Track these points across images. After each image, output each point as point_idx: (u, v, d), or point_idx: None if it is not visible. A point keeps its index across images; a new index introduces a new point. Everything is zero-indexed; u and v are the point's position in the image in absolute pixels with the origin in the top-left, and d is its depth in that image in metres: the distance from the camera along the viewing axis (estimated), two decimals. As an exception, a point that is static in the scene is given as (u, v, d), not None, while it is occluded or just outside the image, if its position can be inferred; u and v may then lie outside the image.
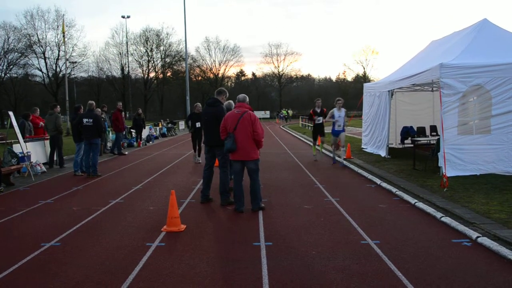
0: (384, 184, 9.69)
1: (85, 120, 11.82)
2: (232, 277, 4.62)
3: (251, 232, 6.35)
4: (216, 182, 8.50)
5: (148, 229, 6.55)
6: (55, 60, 60.48)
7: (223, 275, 4.70)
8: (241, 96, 7.82)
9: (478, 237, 5.70)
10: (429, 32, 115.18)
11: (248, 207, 7.68)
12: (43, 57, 59.65)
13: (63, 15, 54.61)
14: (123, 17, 62.89)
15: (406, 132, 16.13)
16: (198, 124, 13.96)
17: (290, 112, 63.90)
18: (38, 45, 58.81)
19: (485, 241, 5.53)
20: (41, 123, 14.99)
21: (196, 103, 14.98)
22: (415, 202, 7.83)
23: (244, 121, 7.37)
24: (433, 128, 15.53)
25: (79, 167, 12.34)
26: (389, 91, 14.28)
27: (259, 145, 7.54)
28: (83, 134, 11.97)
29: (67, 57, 49.39)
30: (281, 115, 55.14)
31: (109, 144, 18.90)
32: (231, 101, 9.15)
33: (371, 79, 75.81)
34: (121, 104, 18.97)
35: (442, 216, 6.78)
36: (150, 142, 24.52)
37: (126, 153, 18.20)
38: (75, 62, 60.76)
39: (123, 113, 22.12)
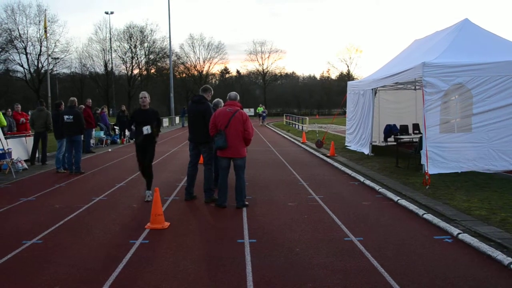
0: (368, 182, 9.77)
1: (66, 116, 11.71)
2: (216, 274, 4.62)
3: (235, 229, 6.35)
4: (200, 179, 8.48)
5: (131, 227, 6.51)
6: (37, 56, 59.20)
7: (207, 272, 4.70)
8: (233, 94, 7.84)
9: (459, 233, 5.80)
10: (412, 31, 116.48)
11: (232, 204, 7.69)
12: (24, 53, 58.34)
13: (45, 10, 53.60)
14: (106, 13, 62.55)
15: (389, 130, 16.29)
16: (146, 130, 8.10)
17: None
18: (19, 40, 57.54)
19: (466, 237, 5.62)
20: (23, 119, 14.76)
21: (141, 92, 8.97)
22: (398, 199, 7.92)
23: (236, 120, 7.40)
24: (416, 126, 15.72)
25: (61, 164, 12.19)
26: (372, 89, 14.40)
27: (248, 143, 7.63)
28: (64, 131, 11.85)
29: (49, 53, 48.72)
30: (264, 114, 44.59)
31: (92, 141, 18.68)
32: (219, 99, 9.15)
33: (355, 77, 76.32)
34: (90, 101, 18.63)
35: (424, 213, 6.87)
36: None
37: (95, 152, 17.74)
38: (58, 58, 59.70)
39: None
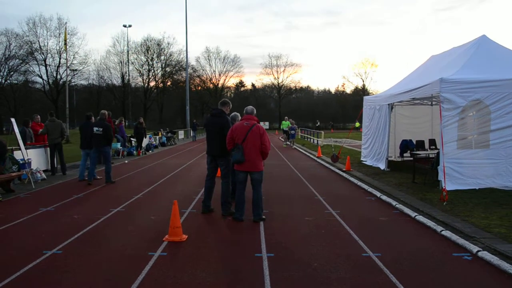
0: (384, 197, 9.73)
1: (95, 128, 12.17)
2: (235, 288, 4.64)
3: (252, 243, 6.37)
4: (216, 192, 8.53)
5: (150, 239, 6.56)
6: (56, 68, 60.48)
7: (226, 285, 4.72)
8: (250, 108, 7.92)
9: (478, 251, 5.74)
10: (427, 46, 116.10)
11: (249, 217, 7.72)
12: (44, 64, 59.61)
13: (66, 23, 54.70)
14: (124, 26, 63.45)
15: (405, 145, 16.22)
16: None
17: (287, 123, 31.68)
18: (39, 52, 58.83)
19: (486, 255, 5.57)
20: (41, 130, 15.02)
21: None
22: (415, 215, 7.87)
23: (253, 134, 7.47)
24: (432, 142, 15.63)
25: (83, 173, 12.82)
26: (389, 104, 14.38)
27: (265, 156, 7.66)
28: (93, 142, 12.29)
29: (68, 64, 49.53)
30: (293, 132, 29.53)
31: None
32: (237, 113, 9.22)
33: (370, 91, 76.10)
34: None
35: (443, 230, 6.81)
36: (150, 151, 24.55)
37: (112, 163, 17.85)
38: (76, 70, 60.84)
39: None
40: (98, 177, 12.97)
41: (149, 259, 5.59)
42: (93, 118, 13.28)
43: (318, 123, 66.44)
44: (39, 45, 58.60)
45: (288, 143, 29.91)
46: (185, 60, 53.61)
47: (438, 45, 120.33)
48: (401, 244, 6.31)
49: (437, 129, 15.95)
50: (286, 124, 31.05)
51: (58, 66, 60.11)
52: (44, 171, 13.51)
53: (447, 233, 6.64)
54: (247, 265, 5.36)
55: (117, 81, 72.47)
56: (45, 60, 59.41)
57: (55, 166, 14.14)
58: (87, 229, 7.14)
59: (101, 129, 12.11)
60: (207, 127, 8.43)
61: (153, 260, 5.56)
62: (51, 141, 13.95)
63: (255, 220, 7.61)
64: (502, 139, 10.38)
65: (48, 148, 14.39)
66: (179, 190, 11.10)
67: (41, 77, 60.80)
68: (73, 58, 59.14)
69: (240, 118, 9.39)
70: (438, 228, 6.94)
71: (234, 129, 7.66)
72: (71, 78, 60.19)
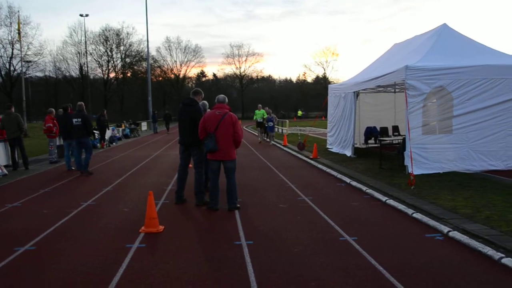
0: (354, 183, 9.94)
1: (74, 120, 12.21)
2: (219, 276, 4.66)
3: (230, 231, 6.40)
4: (189, 182, 8.48)
5: (126, 231, 6.47)
6: (9, 59, 57.86)
7: (210, 274, 4.73)
8: (221, 97, 7.87)
9: (449, 231, 5.99)
10: (388, 35, 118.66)
11: (223, 206, 7.73)
12: (-5, 56, 57.01)
13: (18, 11, 52.25)
14: (81, 15, 61.28)
15: (370, 132, 16.63)
16: None
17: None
18: (-12, 43, 56.17)
19: (456, 235, 5.81)
20: (-1, 124, 14.46)
21: None
22: (386, 200, 8.10)
23: (226, 122, 7.44)
24: (395, 128, 16.05)
25: (69, 163, 13.30)
26: (354, 92, 14.63)
27: (237, 145, 7.64)
28: (73, 134, 12.41)
29: (22, 55, 47.55)
30: (271, 124, 22.88)
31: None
32: (205, 102, 9.15)
33: (331, 80, 77.01)
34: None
35: (414, 212, 7.06)
36: (114, 144, 24.06)
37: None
38: (30, 61, 58.39)
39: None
40: (73, 168, 13.19)
41: (128, 251, 5.53)
42: (69, 109, 13.73)
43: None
44: (-12, 35, 55.81)
45: (265, 138, 24.18)
46: (146, 50, 52.64)
47: (400, 34, 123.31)
48: (375, 227, 6.50)
49: (399, 116, 16.44)
50: (260, 113, 24.02)
51: (11, 58, 57.55)
52: (5, 166, 13.01)
53: (418, 216, 6.88)
54: (228, 253, 5.39)
55: (75, 72, 70.36)
56: (-5, 51, 56.72)
57: (17, 161, 13.65)
58: (59, 223, 6.96)
59: (80, 119, 12.13)
60: (179, 116, 8.34)
61: (132, 252, 5.50)
62: (9, 135, 13.42)
63: (230, 208, 7.64)
64: (463, 124, 10.79)
65: (8, 143, 13.86)
66: (149, 181, 10.96)
67: (-8, 69, 58.08)
68: (27, 48, 56.76)
69: (208, 106, 9.31)
70: (409, 211, 7.17)
71: (206, 118, 7.62)
72: (26, 69, 57.80)
